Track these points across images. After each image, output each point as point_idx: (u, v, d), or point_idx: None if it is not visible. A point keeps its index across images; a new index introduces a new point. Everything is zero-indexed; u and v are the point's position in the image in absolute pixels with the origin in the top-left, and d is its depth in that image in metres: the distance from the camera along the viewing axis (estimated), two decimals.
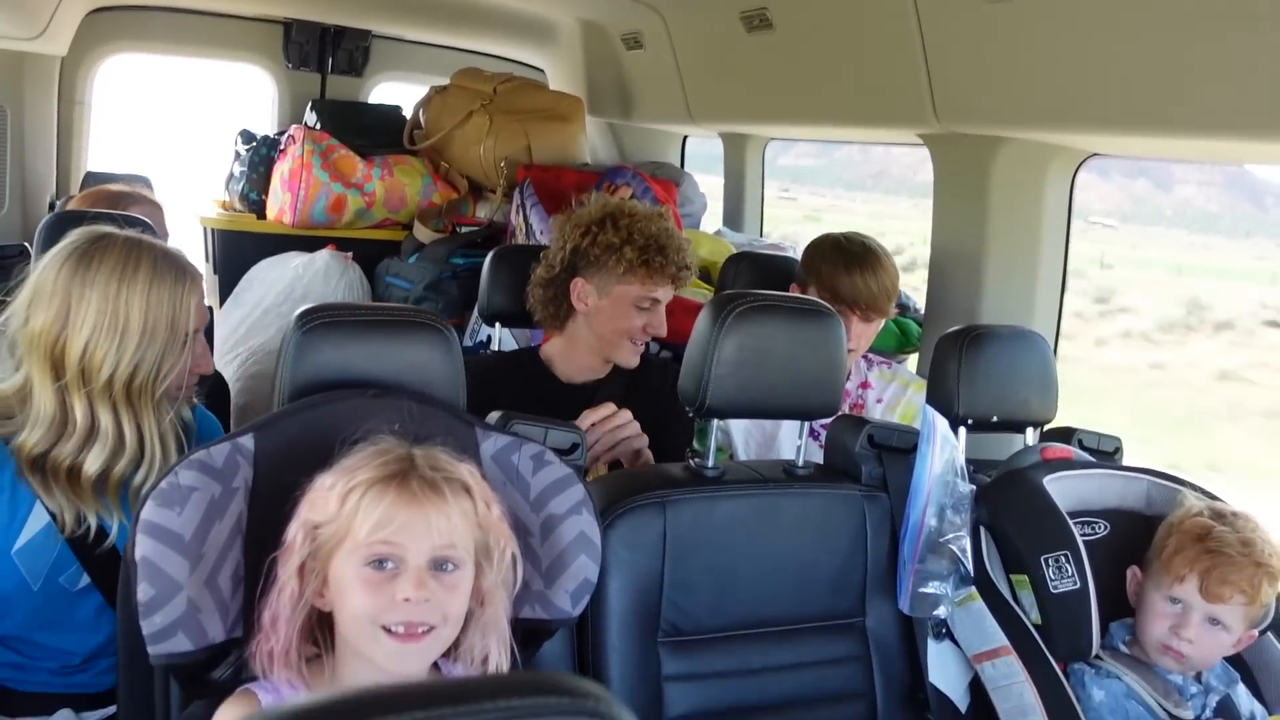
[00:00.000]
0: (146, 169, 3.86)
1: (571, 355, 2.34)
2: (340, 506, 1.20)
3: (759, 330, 1.74)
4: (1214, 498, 1.86)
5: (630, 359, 2.30)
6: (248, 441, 1.36)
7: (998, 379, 2.07)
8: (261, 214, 3.89)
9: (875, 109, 2.72)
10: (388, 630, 1.19)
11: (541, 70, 4.54)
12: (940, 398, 2.08)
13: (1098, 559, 1.82)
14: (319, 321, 1.47)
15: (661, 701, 1.68)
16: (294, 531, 1.23)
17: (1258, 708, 1.76)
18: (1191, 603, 1.70)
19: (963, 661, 1.83)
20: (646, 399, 2.29)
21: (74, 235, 1.65)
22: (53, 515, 1.60)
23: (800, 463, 1.85)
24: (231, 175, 4.05)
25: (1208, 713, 1.72)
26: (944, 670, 1.85)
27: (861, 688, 1.82)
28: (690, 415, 1.79)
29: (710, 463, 1.79)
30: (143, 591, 1.24)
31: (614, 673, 1.65)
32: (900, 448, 1.87)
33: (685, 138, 4.30)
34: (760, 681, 1.75)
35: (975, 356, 2.07)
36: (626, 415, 2.06)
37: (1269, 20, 1.67)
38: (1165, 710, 1.71)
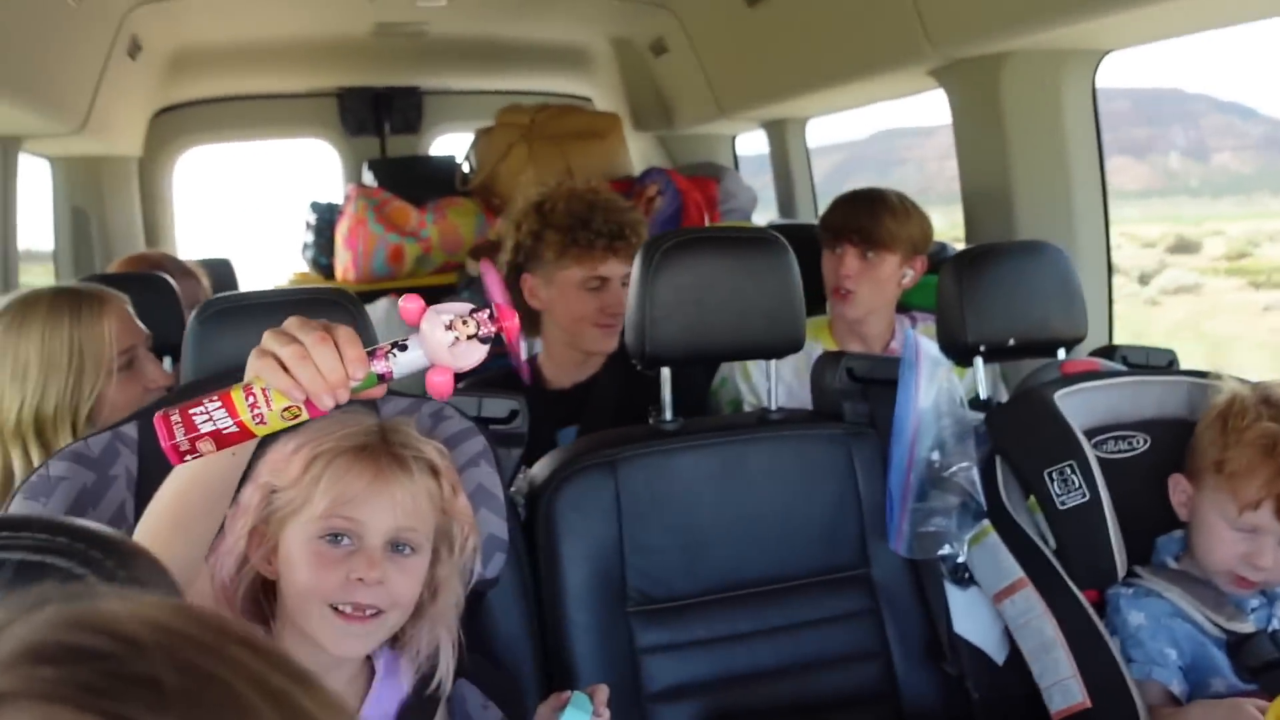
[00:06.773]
0: (230, 251, 3.99)
1: (554, 358, 2.17)
2: (302, 473, 1.12)
3: (692, 266, 1.61)
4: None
5: (603, 344, 2.09)
6: (130, 430, 1.32)
7: (1007, 299, 1.87)
8: (331, 276, 3.98)
9: (875, 54, 2.56)
10: (335, 608, 1.11)
11: (589, 99, 4.53)
12: (948, 328, 1.90)
13: (1140, 474, 1.62)
14: (215, 310, 1.43)
15: (639, 676, 1.55)
16: (250, 493, 1.15)
17: None
18: (1267, 528, 1.45)
19: (992, 607, 1.64)
20: (645, 395, 2.14)
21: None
22: None
23: (773, 406, 1.71)
24: (305, 245, 4.16)
25: (1275, 623, 1.48)
26: (973, 619, 1.66)
27: (873, 645, 1.64)
28: (639, 369, 1.67)
29: (668, 415, 1.66)
30: None
31: (580, 648, 1.52)
32: (886, 379, 1.70)
33: (734, 137, 4.20)
34: (751, 647, 1.60)
35: (979, 278, 1.88)
36: None
37: None
38: (1217, 625, 1.47)
